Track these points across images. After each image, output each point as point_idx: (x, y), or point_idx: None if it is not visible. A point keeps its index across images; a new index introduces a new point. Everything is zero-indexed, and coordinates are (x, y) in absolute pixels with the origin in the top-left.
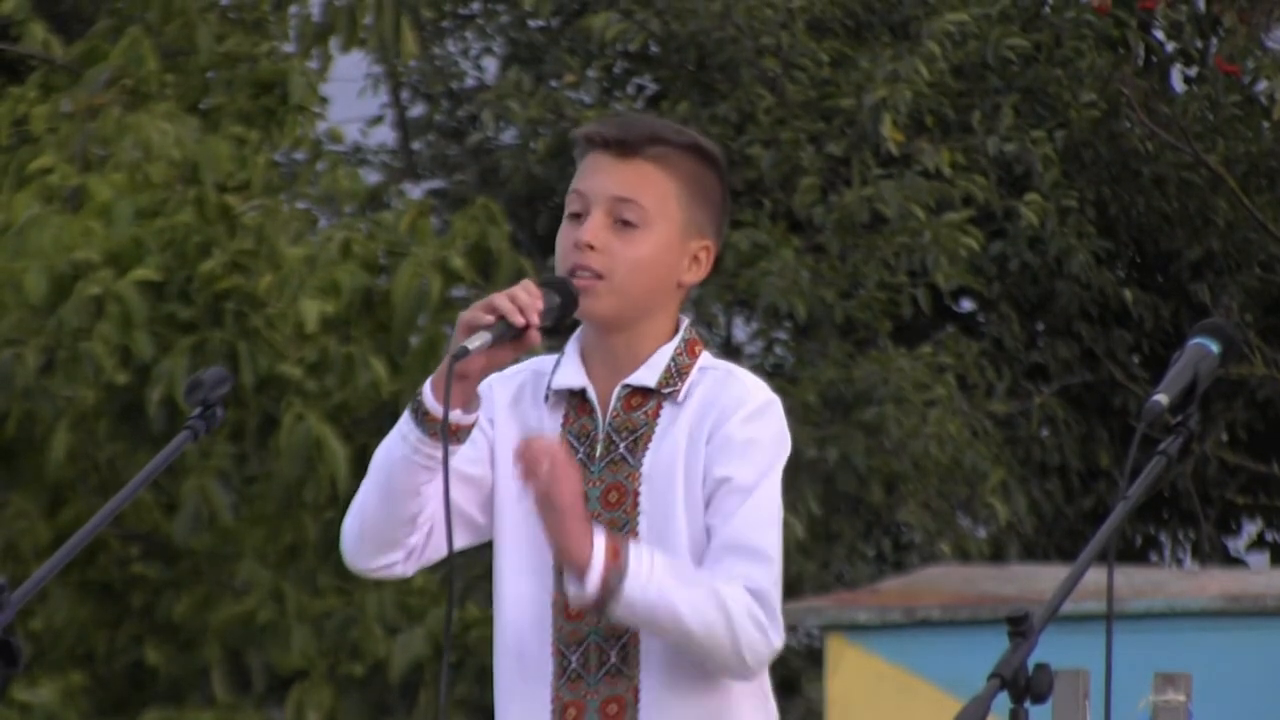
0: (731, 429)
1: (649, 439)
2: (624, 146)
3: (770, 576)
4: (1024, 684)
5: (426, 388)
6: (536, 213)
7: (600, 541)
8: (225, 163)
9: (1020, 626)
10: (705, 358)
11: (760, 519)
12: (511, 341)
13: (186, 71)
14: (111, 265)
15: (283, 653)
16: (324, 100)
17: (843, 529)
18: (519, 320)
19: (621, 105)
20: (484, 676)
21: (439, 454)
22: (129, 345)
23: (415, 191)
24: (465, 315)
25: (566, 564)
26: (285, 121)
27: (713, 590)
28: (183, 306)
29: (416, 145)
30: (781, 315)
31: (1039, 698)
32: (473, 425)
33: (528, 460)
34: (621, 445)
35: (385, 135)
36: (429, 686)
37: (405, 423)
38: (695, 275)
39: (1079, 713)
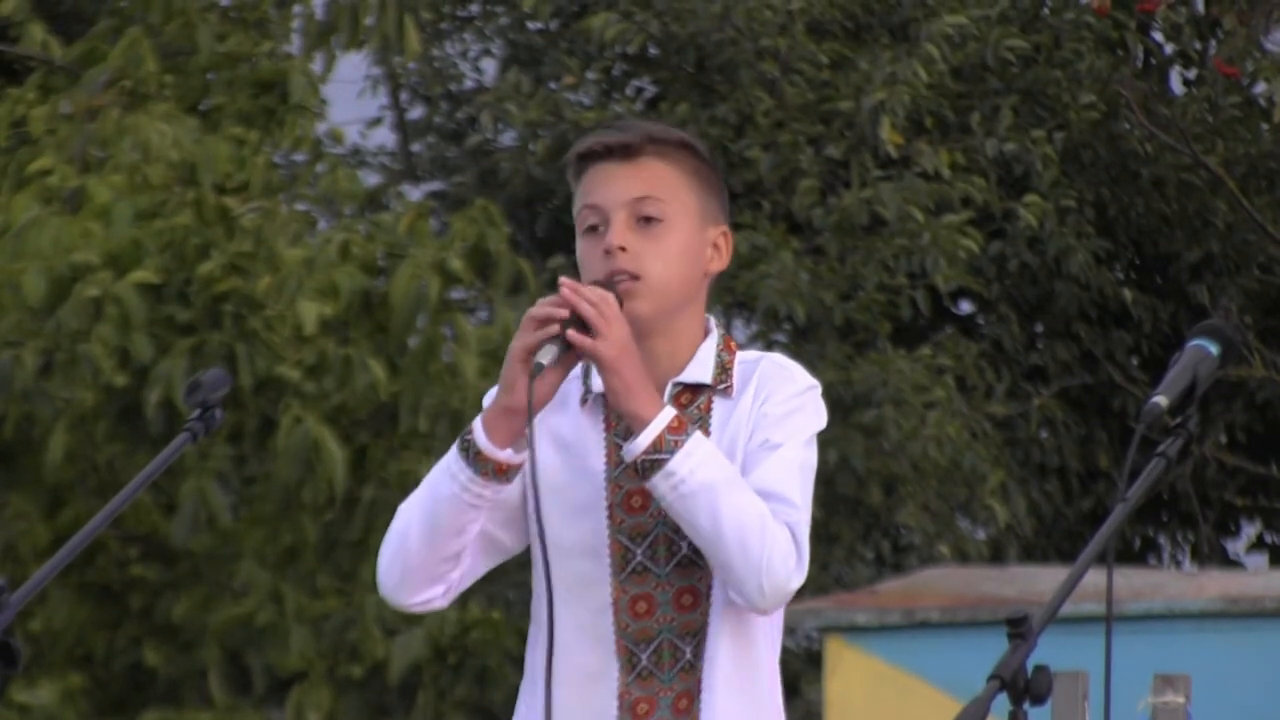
0: (771, 406)
1: (706, 433)
2: (627, 150)
3: (797, 517)
4: (1023, 685)
5: (478, 426)
6: (535, 214)
7: (669, 410)
8: (224, 164)
9: (1019, 628)
10: (741, 352)
11: (784, 469)
12: (575, 351)
13: (186, 72)
14: (110, 267)
15: (282, 654)
16: (324, 101)
17: (842, 531)
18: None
19: (621, 107)
20: (484, 677)
21: (488, 492)
22: (128, 347)
23: (414, 193)
24: (535, 311)
25: (629, 417)
26: (285, 122)
27: (760, 505)
28: (181, 308)
29: (416, 147)
30: (781, 317)
31: (1038, 699)
32: (522, 464)
33: (591, 319)
34: None
35: (384, 137)
36: (427, 688)
37: (454, 461)
38: (719, 263)
39: (1078, 714)
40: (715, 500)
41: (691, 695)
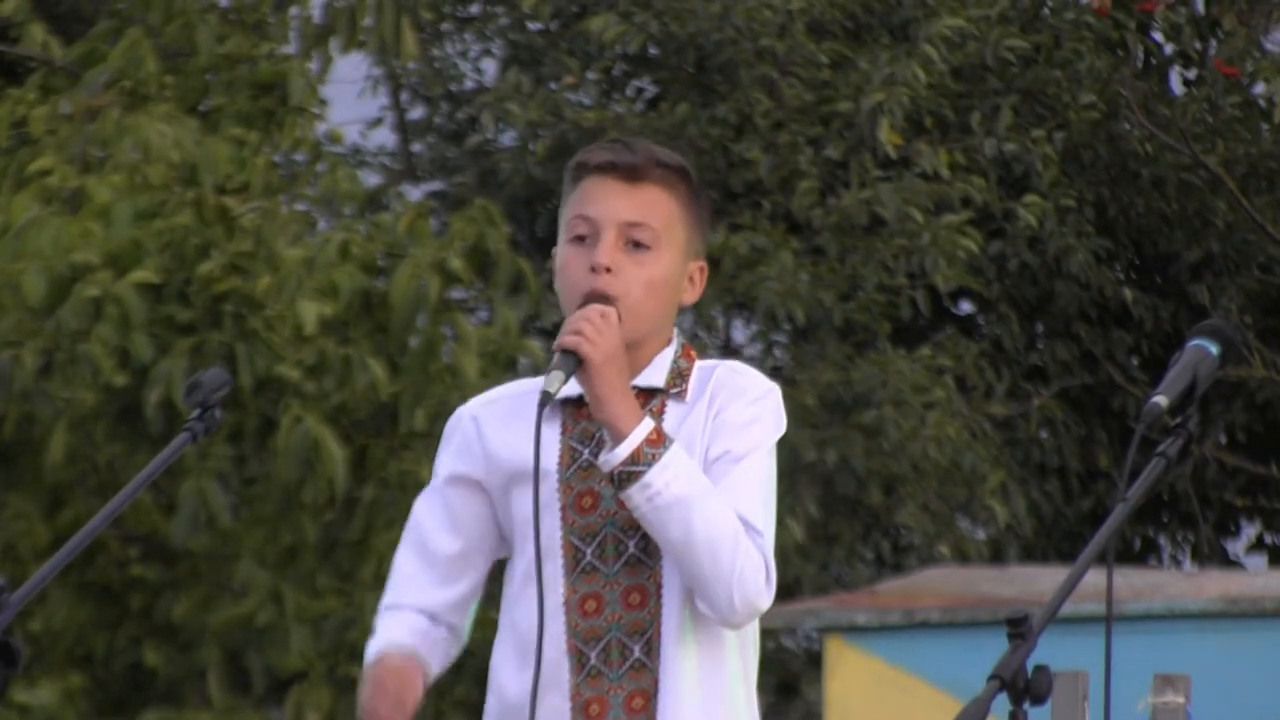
0: (730, 414)
1: None
2: (634, 172)
3: (762, 542)
4: (1023, 685)
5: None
6: (535, 214)
7: (648, 422)
8: (224, 164)
9: (1019, 628)
10: (701, 359)
11: (749, 488)
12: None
13: (186, 73)
14: (110, 267)
15: (281, 654)
16: (323, 102)
17: (842, 531)
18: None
19: (621, 107)
20: (484, 678)
21: None
22: (128, 347)
23: (414, 193)
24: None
25: (607, 426)
26: (285, 123)
27: (733, 519)
28: (181, 308)
29: (416, 147)
30: (780, 318)
31: (1038, 699)
32: None
33: (573, 326)
34: None
35: (384, 137)
36: (427, 688)
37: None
38: (692, 295)
39: (1078, 714)
40: (689, 513)
41: (647, 695)
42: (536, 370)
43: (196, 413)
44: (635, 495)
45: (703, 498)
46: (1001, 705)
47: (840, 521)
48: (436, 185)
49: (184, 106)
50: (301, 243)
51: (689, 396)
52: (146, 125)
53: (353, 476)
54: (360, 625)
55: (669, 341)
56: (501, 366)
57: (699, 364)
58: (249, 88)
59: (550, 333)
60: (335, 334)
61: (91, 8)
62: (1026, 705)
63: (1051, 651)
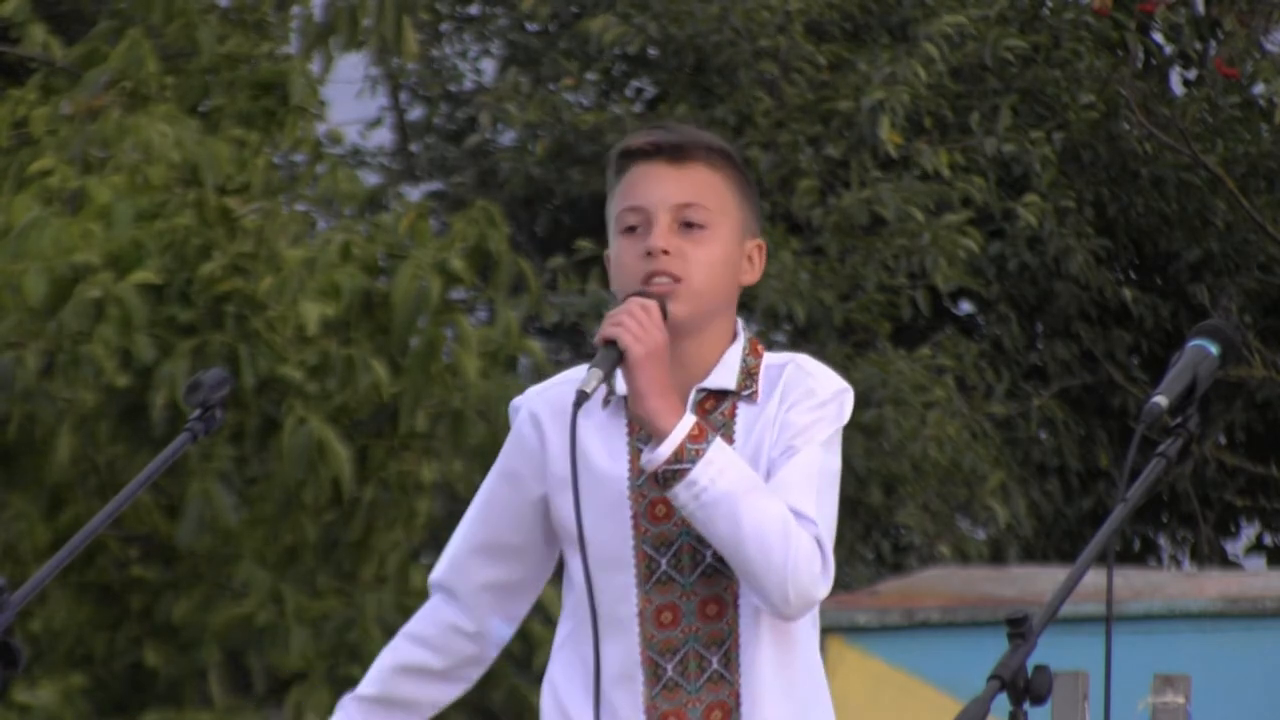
0: (795, 414)
1: (731, 439)
2: (679, 152)
3: (815, 531)
4: (1023, 685)
5: None
6: (535, 214)
7: (689, 418)
8: (225, 165)
9: (1020, 628)
10: (768, 355)
11: (802, 478)
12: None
13: (187, 73)
14: (111, 268)
15: (282, 654)
16: (323, 103)
17: (842, 531)
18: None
19: (620, 108)
20: (484, 677)
21: None
22: (129, 348)
23: (414, 194)
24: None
25: (648, 424)
26: (285, 123)
27: (783, 511)
28: (183, 309)
29: (415, 147)
30: (780, 317)
31: (1038, 699)
32: None
33: (615, 319)
34: None
35: (384, 137)
36: None
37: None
38: (752, 275)
39: (1078, 714)
40: (735, 507)
41: (727, 707)
42: (537, 370)
43: (197, 413)
44: (681, 493)
45: (750, 491)
46: (1001, 705)
47: (840, 521)
48: (436, 185)
49: (185, 107)
50: (302, 243)
51: (759, 398)
52: (147, 125)
53: (353, 477)
54: (360, 625)
55: (734, 335)
56: (502, 367)
57: (767, 360)
58: (250, 88)
59: (551, 333)
60: (337, 334)
61: (92, 8)
62: (1026, 705)
63: (1051, 651)
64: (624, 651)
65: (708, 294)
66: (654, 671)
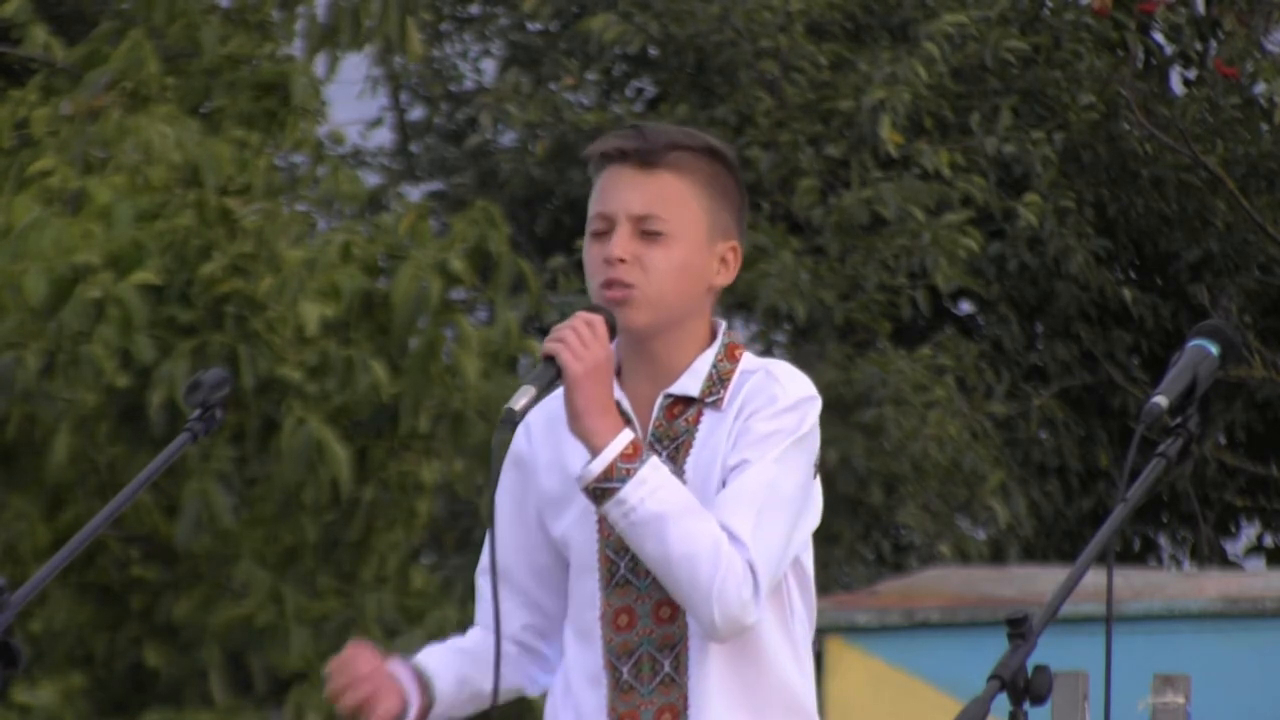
0: (754, 423)
1: (690, 446)
2: (644, 158)
3: (748, 554)
4: (1023, 685)
5: None
6: (535, 215)
7: (625, 436)
8: (226, 165)
9: (1020, 628)
10: (747, 359)
11: (744, 498)
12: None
13: (188, 74)
14: (112, 268)
15: (282, 654)
16: (325, 103)
17: (842, 531)
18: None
19: (620, 108)
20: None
21: None
22: (129, 348)
23: (414, 194)
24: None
25: (583, 440)
26: (287, 124)
27: (715, 533)
28: (183, 309)
29: (415, 148)
30: (781, 317)
31: (1038, 699)
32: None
33: (557, 334)
34: (663, 454)
35: (384, 138)
36: None
37: None
38: (725, 277)
39: (1078, 714)
40: (664, 528)
41: (676, 710)
42: None
43: (197, 413)
44: (611, 511)
45: (682, 513)
46: (1001, 705)
47: (840, 521)
48: (436, 186)
49: (186, 107)
50: (303, 244)
51: (725, 404)
52: (148, 126)
53: (353, 477)
54: (360, 626)
55: (710, 339)
56: (502, 367)
57: (743, 365)
58: (251, 88)
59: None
60: (337, 335)
61: (94, 9)
62: (1026, 705)
63: (1051, 651)
64: (592, 654)
65: (667, 300)
66: (614, 673)
